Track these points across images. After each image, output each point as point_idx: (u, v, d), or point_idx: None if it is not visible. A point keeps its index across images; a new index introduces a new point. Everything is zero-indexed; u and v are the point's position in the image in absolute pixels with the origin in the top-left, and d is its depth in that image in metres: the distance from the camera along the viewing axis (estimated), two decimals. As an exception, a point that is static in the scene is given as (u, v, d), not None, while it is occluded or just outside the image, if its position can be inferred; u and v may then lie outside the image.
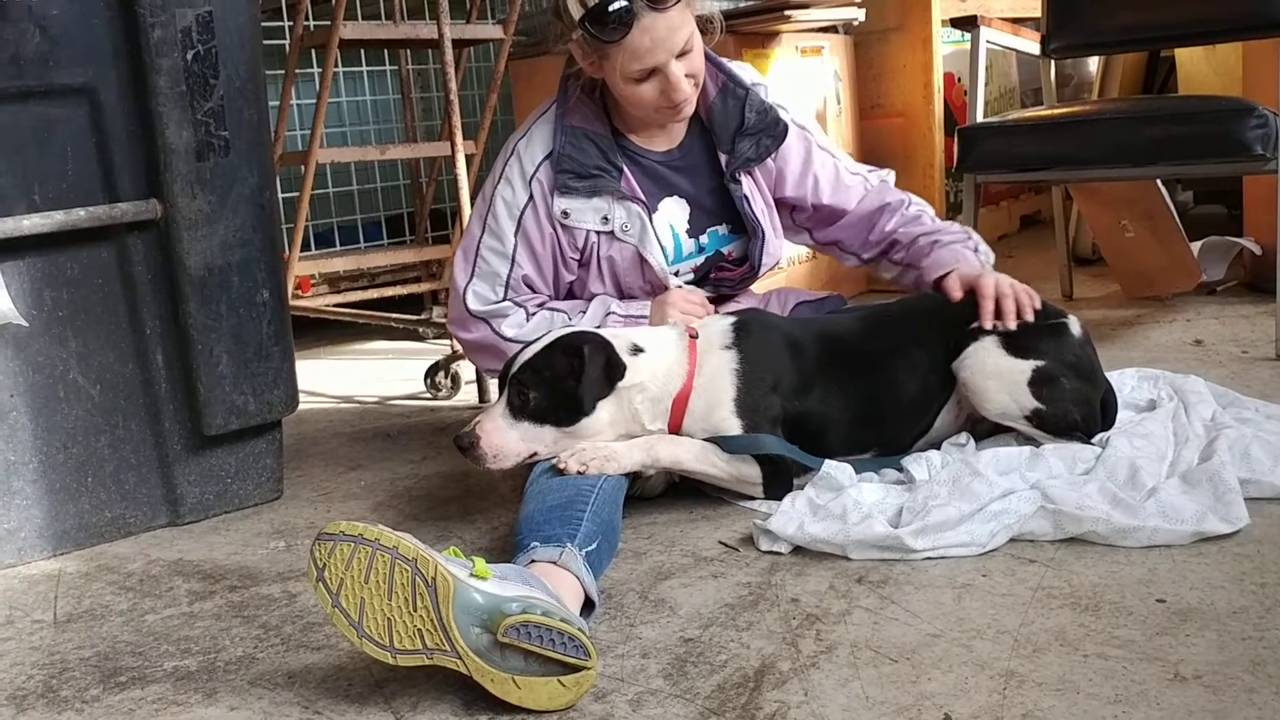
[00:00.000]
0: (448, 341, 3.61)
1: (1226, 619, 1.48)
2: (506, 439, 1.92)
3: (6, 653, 1.68)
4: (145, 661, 1.62)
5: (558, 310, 2.20)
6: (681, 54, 2.04)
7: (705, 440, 1.96)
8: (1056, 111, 3.27)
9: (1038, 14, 3.60)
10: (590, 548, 1.66)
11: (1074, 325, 2.12)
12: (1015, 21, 3.66)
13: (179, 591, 1.87)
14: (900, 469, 2.02)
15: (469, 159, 3.57)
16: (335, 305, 3.84)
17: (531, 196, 2.16)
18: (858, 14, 3.94)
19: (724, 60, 2.26)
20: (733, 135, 2.23)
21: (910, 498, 1.86)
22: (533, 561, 1.58)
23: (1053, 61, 3.66)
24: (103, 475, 2.11)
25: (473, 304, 2.20)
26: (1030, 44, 3.56)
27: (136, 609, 1.81)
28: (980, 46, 3.37)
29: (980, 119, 3.35)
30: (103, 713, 1.48)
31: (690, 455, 1.96)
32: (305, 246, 4.07)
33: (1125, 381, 2.37)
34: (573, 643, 1.40)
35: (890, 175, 2.43)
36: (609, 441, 1.93)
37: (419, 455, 2.58)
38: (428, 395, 3.17)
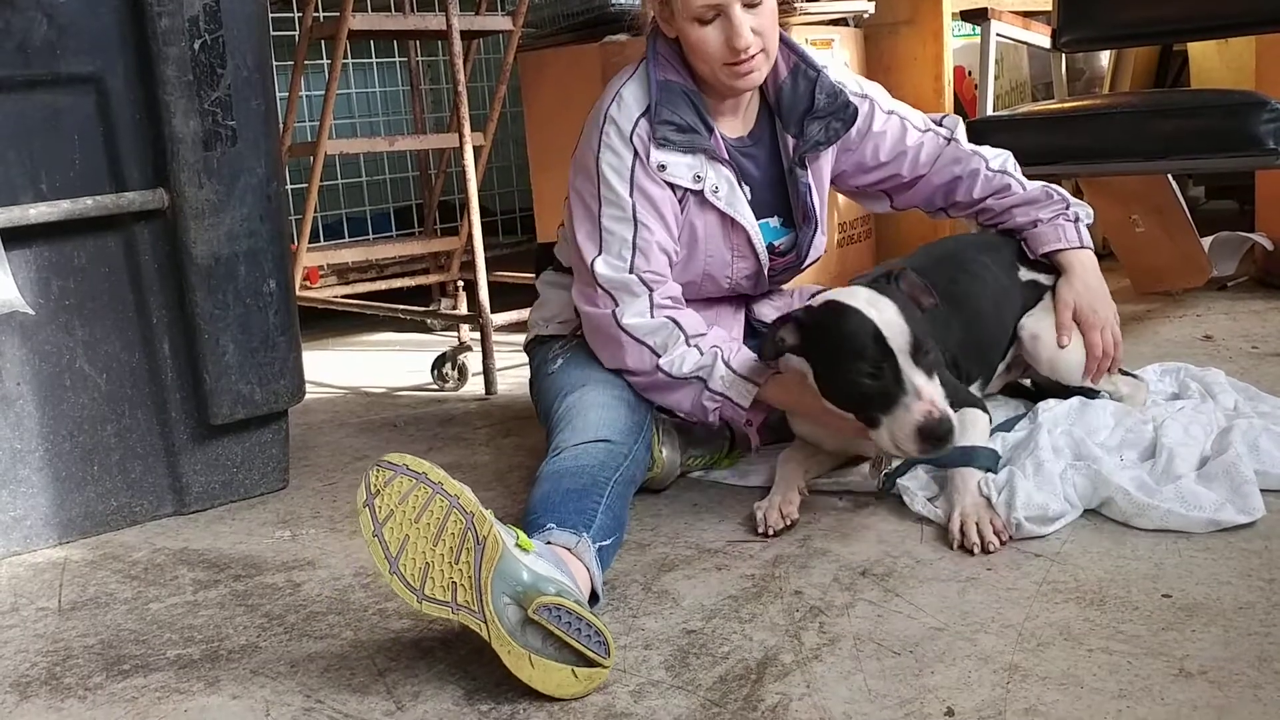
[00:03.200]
0: (455, 333, 3.61)
1: (1232, 614, 1.47)
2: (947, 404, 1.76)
3: (11, 640, 1.68)
4: (149, 650, 1.62)
5: (679, 326, 2.04)
6: (750, 5, 1.99)
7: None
8: (1067, 105, 3.26)
9: (1049, 7, 3.58)
10: (604, 542, 1.66)
11: None
12: (1026, 15, 3.64)
13: (183, 580, 1.88)
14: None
15: (477, 151, 3.57)
16: (343, 296, 3.85)
17: (636, 153, 2.05)
18: (868, 7, 3.92)
19: (796, 41, 2.22)
20: (801, 117, 2.17)
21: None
22: (549, 544, 1.58)
23: (1064, 55, 3.64)
24: (109, 464, 2.11)
25: (601, 270, 2.03)
26: (1041, 38, 3.54)
27: (141, 597, 1.81)
28: (990, 40, 3.35)
29: (990, 112, 3.34)
30: (105, 700, 1.48)
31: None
32: (314, 237, 4.08)
33: (1148, 376, 2.38)
34: (597, 637, 1.40)
35: (959, 127, 2.35)
36: None
37: (425, 446, 2.58)
38: (434, 386, 3.17)
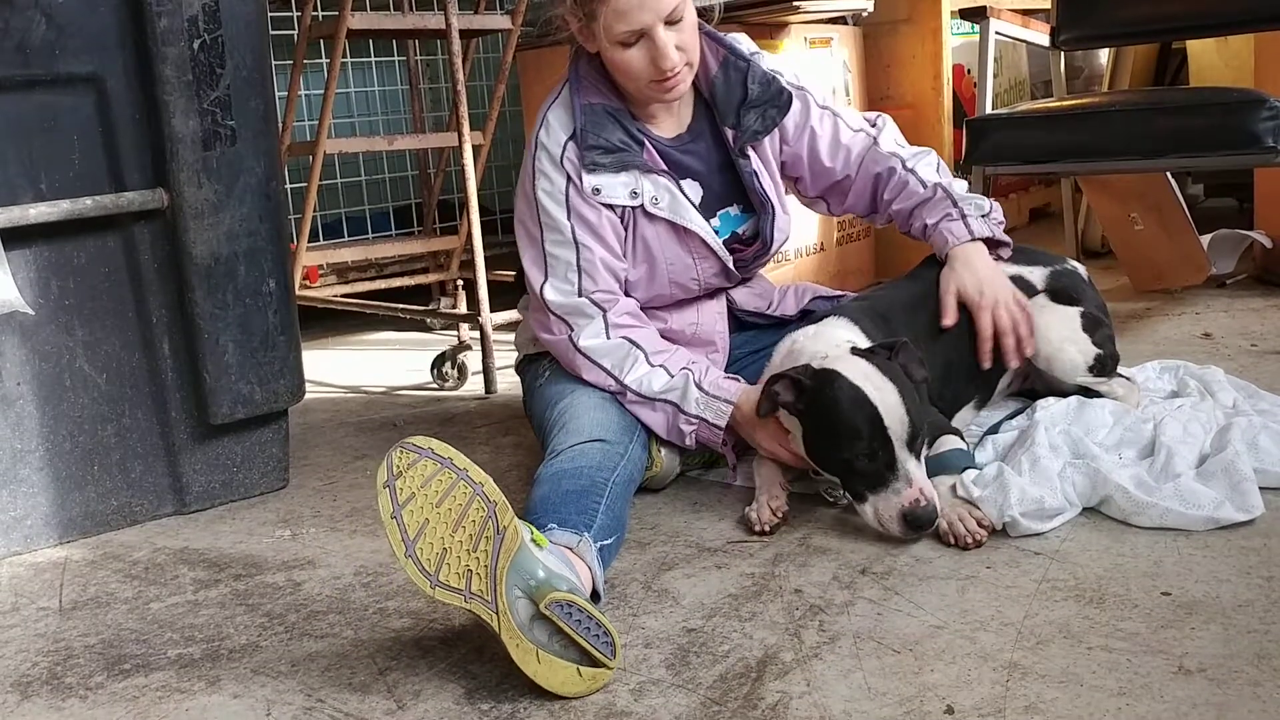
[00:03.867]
0: (455, 332, 3.61)
1: (1232, 612, 1.47)
2: (932, 489, 1.79)
3: (12, 640, 1.69)
4: (149, 649, 1.62)
5: (637, 345, 2.07)
6: (671, 22, 1.98)
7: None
8: (1066, 103, 3.26)
9: (1047, 5, 3.58)
10: (605, 541, 1.67)
11: (1080, 268, 2.34)
12: (1025, 13, 3.65)
13: (184, 580, 1.88)
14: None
15: (476, 150, 3.57)
16: (343, 295, 3.85)
17: (569, 177, 2.07)
18: (866, 5, 3.92)
19: (722, 34, 2.21)
20: (737, 108, 2.19)
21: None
22: (550, 543, 1.58)
23: (1062, 53, 3.64)
24: (109, 464, 2.11)
25: (551, 296, 2.08)
26: (1040, 36, 3.55)
27: (141, 597, 1.81)
28: (989, 38, 3.36)
29: (989, 110, 3.34)
30: (106, 700, 1.48)
31: None
32: (313, 237, 4.08)
33: (1147, 374, 2.38)
34: (605, 637, 1.40)
35: (888, 126, 2.34)
36: None
37: (425, 445, 2.58)
38: (434, 386, 3.17)
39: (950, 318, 2.15)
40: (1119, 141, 2.95)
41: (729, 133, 2.20)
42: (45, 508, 2.06)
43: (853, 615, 1.55)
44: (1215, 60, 4.12)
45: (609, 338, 2.07)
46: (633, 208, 2.10)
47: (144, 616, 1.74)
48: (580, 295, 2.07)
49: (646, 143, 2.14)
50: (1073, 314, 2.21)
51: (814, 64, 3.84)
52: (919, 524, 1.74)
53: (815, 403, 1.84)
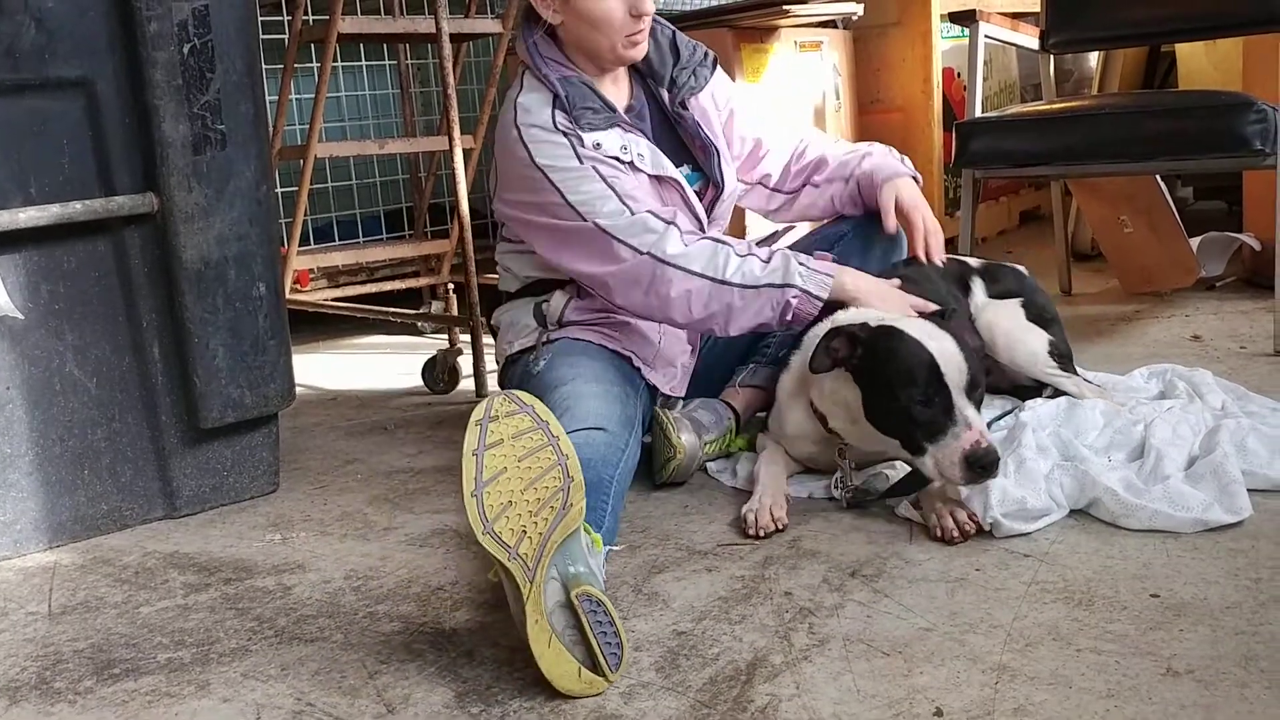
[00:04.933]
0: (446, 336, 3.61)
1: (1220, 614, 1.48)
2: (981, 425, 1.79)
3: (0, 644, 1.68)
4: (139, 653, 1.62)
5: (722, 243, 2.07)
6: None
7: None
8: (1055, 106, 3.27)
9: (1037, 9, 3.59)
10: (612, 547, 1.68)
11: (1022, 268, 2.46)
12: (1015, 16, 3.66)
13: (174, 584, 1.87)
14: None
15: (467, 153, 3.57)
16: (334, 299, 3.84)
17: (568, 136, 2.11)
18: (856, 8, 3.93)
19: None
20: (671, 71, 2.30)
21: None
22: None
23: (1052, 57, 3.65)
24: (99, 468, 2.11)
25: (609, 222, 2.05)
26: (1029, 39, 3.56)
27: (131, 601, 1.81)
28: (979, 41, 3.36)
29: (979, 114, 3.35)
30: (96, 704, 1.48)
31: None
32: (304, 241, 4.07)
33: (1135, 379, 2.39)
34: (616, 649, 1.40)
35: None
36: None
37: (415, 449, 2.58)
38: (426, 389, 3.17)
39: (890, 223, 2.28)
40: (1109, 144, 2.96)
41: (665, 95, 2.30)
42: (34, 512, 2.05)
43: (842, 618, 1.55)
44: (1204, 64, 4.14)
45: (693, 242, 2.06)
46: (625, 162, 2.15)
47: (134, 621, 1.73)
48: (636, 214, 2.07)
49: (617, 108, 2.21)
50: (1013, 305, 2.32)
51: (804, 68, 3.85)
52: (981, 465, 1.73)
53: (872, 355, 1.86)
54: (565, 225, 2.09)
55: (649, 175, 2.18)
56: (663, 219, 2.07)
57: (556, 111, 2.13)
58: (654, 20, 2.25)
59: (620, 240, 2.05)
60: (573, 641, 1.39)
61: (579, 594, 1.39)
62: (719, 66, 2.39)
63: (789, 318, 2.06)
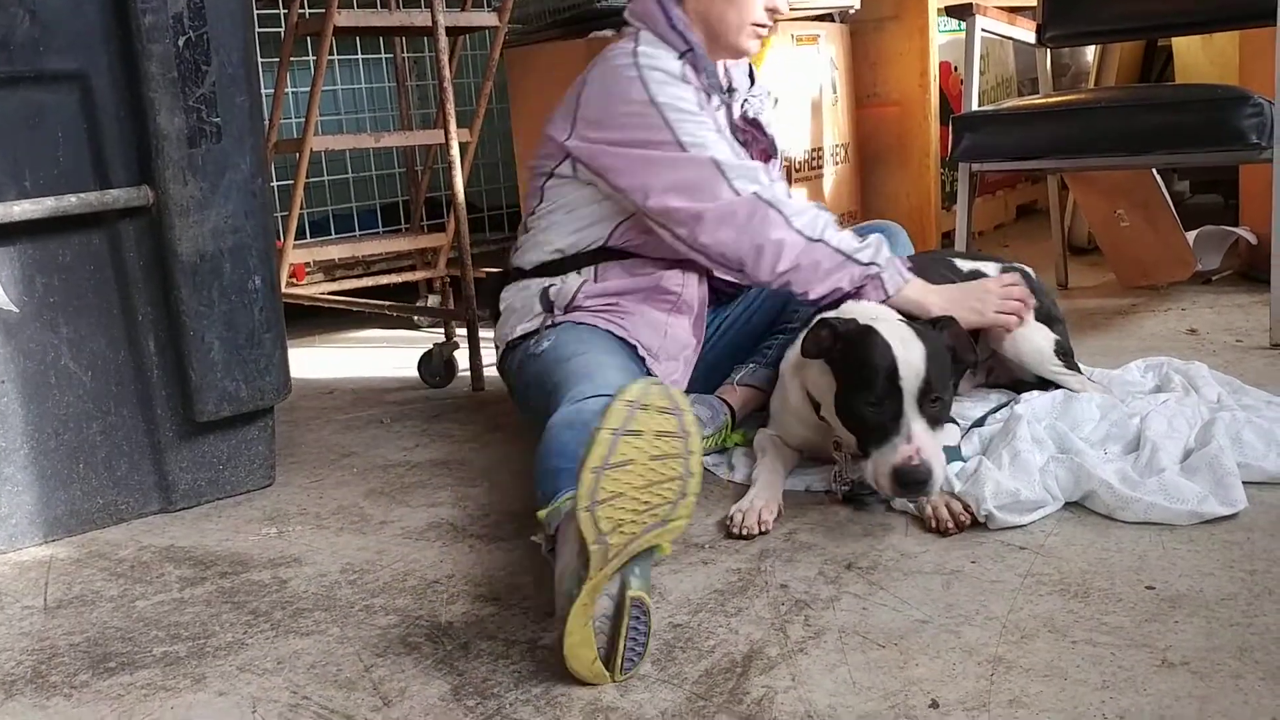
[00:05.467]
0: (442, 329, 3.61)
1: (1215, 606, 1.48)
2: (941, 457, 1.80)
3: (-4, 638, 1.68)
4: (135, 647, 1.62)
5: (824, 211, 2.15)
6: None
7: None
8: (1052, 100, 3.27)
9: (1034, 3, 3.59)
10: None
11: (1030, 269, 2.47)
12: (1012, 10, 3.65)
13: (170, 578, 1.87)
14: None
15: (463, 147, 3.56)
16: (330, 293, 3.84)
17: (689, 84, 2.19)
18: (853, 2, 3.93)
19: None
20: (745, 93, 2.39)
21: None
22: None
23: (1049, 50, 3.65)
24: (95, 462, 2.11)
25: (725, 157, 2.10)
26: (1026, 33, 3.56)
27: (127, 595, 1.81)
28: (975, 35, 3.36)
29: (976, 107, 3.35)
30: (91, 698, 1.48)
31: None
32: (300, 234, 4.07)
33: (1131, 373, 2.39)
34: (635, 657, 1.41)
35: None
36: None
37: (412, 443, 2.58)
38: (422, 383, 3.16)
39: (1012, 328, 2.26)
40: (1105, 138, 2.96)
41: (737, 108, 2.37)
42: (30, 506, 2.05)
43: (838, 610, 1.55)
44: (1200, 57, 4.14)
45: (793, 199, 2.14)
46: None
47: (129, 614, 1.73)
48: (752, 162, 2.15)
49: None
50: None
51: (801, 61, 3.85)
52: (906, 483, 1.74)
53: (845, 351, 1.88)
54: (670, 156, 2.11)
55: None
56: (769, 175, 2.15)
57: (686, 65, 2.20)
58: None
59: (729, 178, 2.09)
60: (600, 631, 1.40)
61: (634, 598, 1.40)
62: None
63: (855, 293, 2.13)
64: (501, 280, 2.42)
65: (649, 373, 2.17)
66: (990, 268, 2.39)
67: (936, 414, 1.81)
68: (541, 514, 1.60)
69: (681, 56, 2.21)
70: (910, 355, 1.80)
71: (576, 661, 1.39)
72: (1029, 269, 2.46)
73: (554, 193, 2.29)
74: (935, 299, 2.14)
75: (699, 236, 2.11)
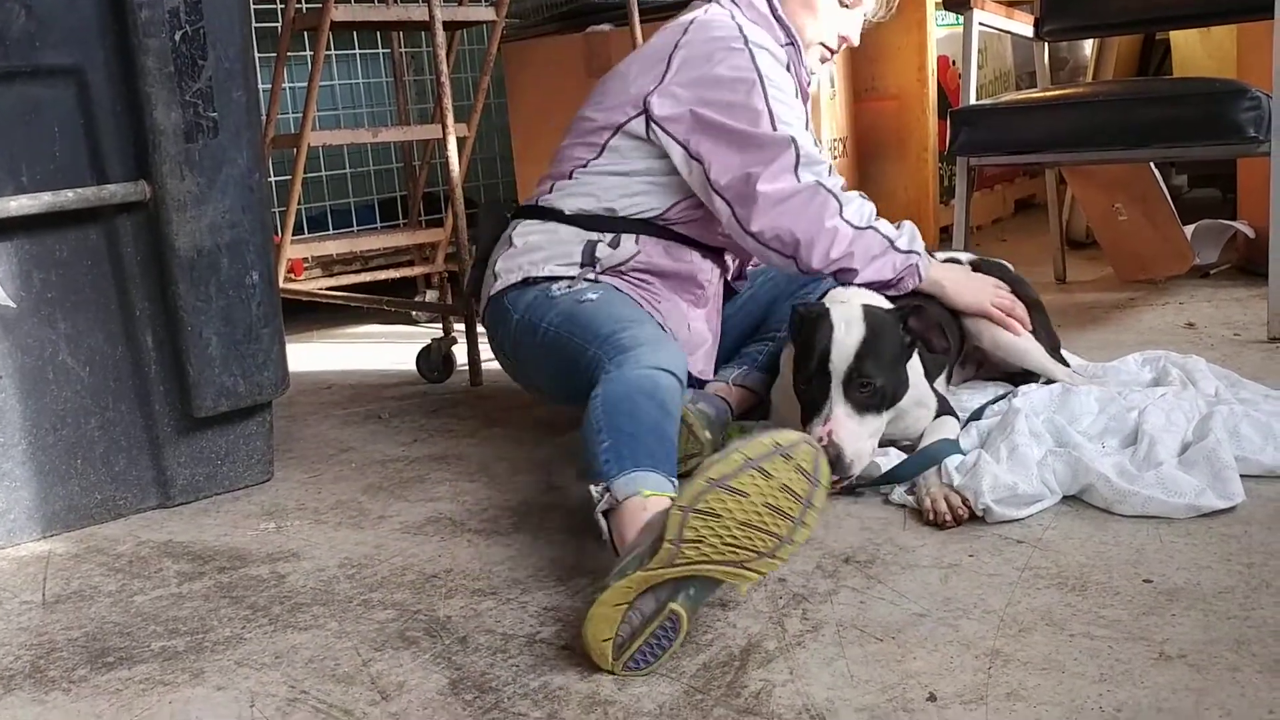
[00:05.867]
0: (439, 325, 3.61)
1: (1212, 599, 1.48)
2: (861, 439, 1.86)
3: (-5, 633, 1.68)
4: (133, 642, 1.62)
5: (868, 201, 2.19)
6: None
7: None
8: (1050, 94, 3.27)
9: (1032, -4, 3.59)
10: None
11: (1007, 264, 2.51)
12: (1010, 4, 3.65)
13: (168, 573, 1.87)
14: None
15: (461, 142, 3.56)
16: (328, 289, 3.84)
17: (793, 80, 2.23)
18: (852, -4, 3.92)
19: None
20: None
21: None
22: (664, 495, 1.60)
23: (1047, 44, 3.65)
24: (93, 457, 2.10)
25: (806, 144, 2.13)
26: (1024, 26, 3.55)
27: (125, 590, 1.81)
28: (973, 29, 3.36)
29: (974, 101, 3.34)
30: (90, 693, 1.48)
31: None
32: (298, 230, 4.07)
33: (1129, 366, 2.39)
34: (649, 660, 1.41)
35: None
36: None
37: (410, 438, 2.58)
38: (420, 378, 3.16)
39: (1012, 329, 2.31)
40: (1103, 132, 2.96)
41: None
42: (28, 501, 2.05)
43: (836, 604, 1.55)
44: (1198, 51, 4.14)
45: (849, 193, 2.17)
46: None
47: (128, 609, 1.73)
48: (824, 156, 2.17)
49: None
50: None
51: (799, 55, 3.84)
52: None
53: (798, 330, 1.95)
54: (750, 131, 2.12)
55: None
56: (832, 170, 2.18)
57: (789, 54, 2.25)
58: None
59: (802, 162, 2.12)
60: (628, 622, 1.40)
61: (673, 610, 1.40)
62: None
63: (896, 282, 2.16)
64: (494, 212, 2.41)
65: None
66: (963, 258, 2.44)
67: (866, 399, 1.86)
68: (615, 479, 1.62)
69: (784, 45, 2.26)
70: (846, 339, 1.86)
71: (591, 631, 1.40)
72: (1005, 262, 2.49)
73: (617, 151, 2.23)
74: (945, 280, 2.21)
75: (757, 217, 2.11)
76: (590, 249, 2.20)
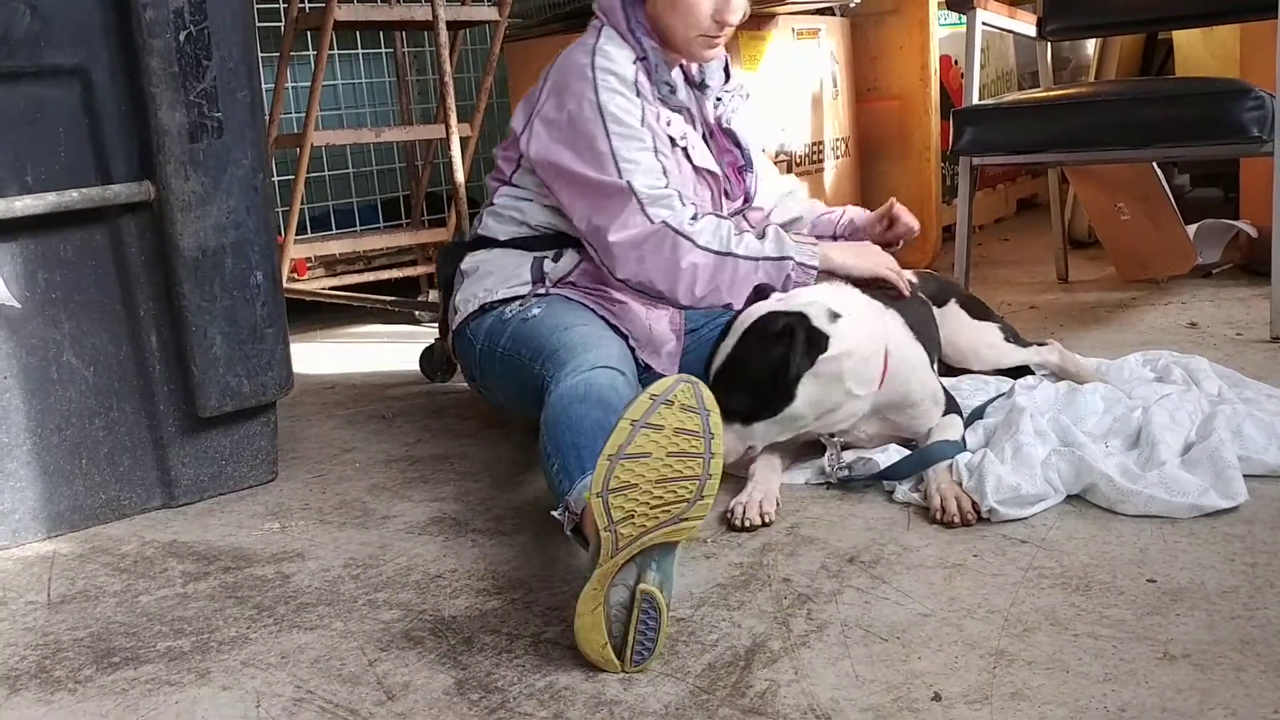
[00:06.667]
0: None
1: (1216, 598, 1.48)
2: (733, 445, 1.87)
3: (0, 634, 1.68)
4: (138, 642, 1.62)
5: (725, 219, 2.15)
6: None
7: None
8: (1052, 93, 3.27)
9: (1035, -4, 3.60)
10: None
11: (937, 274, 2.62)
12: (1012, 3, 3.65)
13: (173, 573, 1.88)
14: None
15: (464, 142, 3.56)
16: (331, 288, 3.84)
17: (642, 98, 2.16)
18: (854, -4, 3.93)
19: None
20: (718, 91, 2.37)
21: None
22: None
23: (1049, 44, 3.65)
24: (97, 457, 2.11)
25: (643, 185, 2.08)
26: (1027, 26, 3.55)
27: (130, 590, 1.81)
28: (976, 28, 3.36)
29: (976, 101, 3.35)
30: (95, 693, 1.48)
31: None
32: (301, 230, 4.07)
33: (1129, 365, 2.40)
34: (646, 649, 1.40)
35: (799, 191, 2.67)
36: (808, 422, 1.96)
37: (414, 438, 2.58)
38: (423, 378, 3.17)
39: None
40: (1105, 132, 2.96)
41: (710, 108, 2.36)
42: (33, 502, 2.05)
43: (840, 604, 1.55)
44: (1201, 51, 4.14)
45: (700, 219, 2.11)
46: (680, 147, 2.22)
47: (133, 609, 1.74)
48: (669, 188, 2.11)
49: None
50: (954, 309, 2.42)
51: (801, 55, 3.85)
52: None
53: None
54: (597, 178, 2.10)
55: (694, 166, 2.24)
56: (683, 200, 2.11)
57: (639, 71, 2.18)
58: None
59: (645, 207, 2.08)
60: (615, 620, 1.40)
61: (644, 592, 1.39)
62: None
63: (788, 289, 2.12)
64: (451, 253, 2.42)
65: (638, 361, 2.17)
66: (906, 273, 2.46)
67: (735, 409, 1.86)
68: (569, 495, 1.62)
69: (639, 63, 2.19)
70: (720, 351, 1.92)
71: (587, 644, 1.40)
72: (935, 271, 2.60)
73: (523, 182, 2.29)
74: (839, 257, 2.18)
75: (618, 268, 2.12)
76: (538, 265, 2.25)
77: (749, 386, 1.88)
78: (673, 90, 2.23)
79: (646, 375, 2.24)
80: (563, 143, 2.15)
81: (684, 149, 2.22)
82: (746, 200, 2.44)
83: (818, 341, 1.88)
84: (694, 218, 2.09)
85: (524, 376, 2.05)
